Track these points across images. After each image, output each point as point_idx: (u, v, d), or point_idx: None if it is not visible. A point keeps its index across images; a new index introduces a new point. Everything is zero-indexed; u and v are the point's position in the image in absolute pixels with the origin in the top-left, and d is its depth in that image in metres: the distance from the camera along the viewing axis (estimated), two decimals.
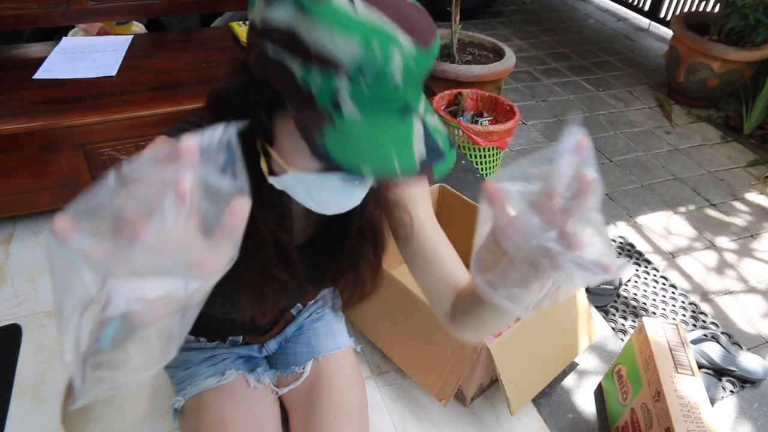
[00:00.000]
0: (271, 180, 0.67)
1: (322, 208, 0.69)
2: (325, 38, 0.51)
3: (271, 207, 0.72)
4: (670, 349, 1.28)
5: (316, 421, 1.04)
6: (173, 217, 0.38)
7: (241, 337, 1.09)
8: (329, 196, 0.66)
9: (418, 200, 0.84)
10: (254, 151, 0.67)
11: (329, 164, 0.54)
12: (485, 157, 2.43)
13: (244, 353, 1.11)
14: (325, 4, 0.51)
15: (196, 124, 0.75)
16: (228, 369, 1.05)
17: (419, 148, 0.56)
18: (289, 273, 0.81)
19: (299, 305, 1.15)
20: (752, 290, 2.12)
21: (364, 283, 0.88)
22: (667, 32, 4.18)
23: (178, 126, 0.75)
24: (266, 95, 0.59)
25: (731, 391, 1.66)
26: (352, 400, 1.09)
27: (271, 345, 1.14)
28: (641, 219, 2.46)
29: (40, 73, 1.79)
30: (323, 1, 0.51)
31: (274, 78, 0.56)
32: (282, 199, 0.71)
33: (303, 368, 1.11)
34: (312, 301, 1.17)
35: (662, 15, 4.34)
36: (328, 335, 1.16)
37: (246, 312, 0.83)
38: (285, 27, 0.53)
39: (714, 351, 1.71)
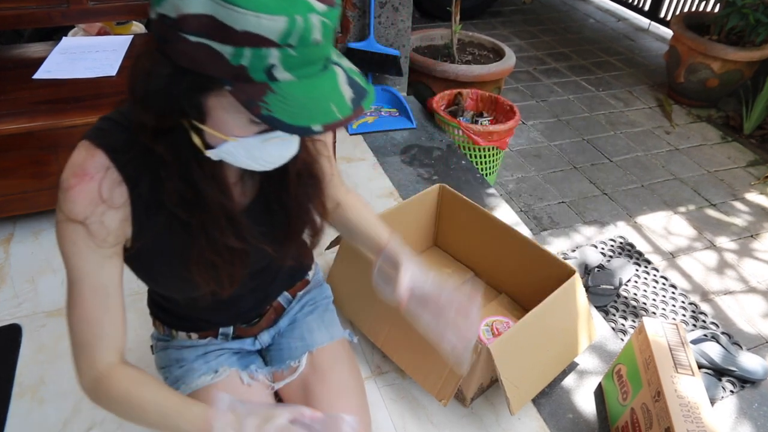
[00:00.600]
0: (209, 153, 0.69)
1: (264, 165, 0.72)
2: (252, 21, 0.55)
3: (211, 178, 0.74)
4: (670, 349, 1.28)
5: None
6: None
7: (232, 329, 1.09)
8: (270, 152, 0.70)
9: (329, 147, 0.98)
10: (182, 131, 0.68)
11: (279, 129, 0.59)
12: (485, 157, 2.43)
13: (237, 347, 1.10)
14: None
15: (117, 122, 0.75)
16: (221, 366, 1.05)
17: (347, 91, 0.63)
18: (238, 238, 0.82)
19: (288, 295, 1.15)
20: (752, 290, 2.13)
21: (316, 223, 0.94)
22: (667, 32, 4.18)
23: (99, 126, 0.76)
24: (196, 79, 0.61)
25: (731, 391, 1.67)
26: (349, 389, 1.09)
27: (264, 337, 1.14)
28: (641, 219, 2.46)
29: (40, 73, 1.79)
30: None
31: (202, 63, 0.58)
32: (218, 168, 0.74)
33: (298, 362, 1.11)
34: (301, 292, 1.17)
35: (662, 15, 4.34)
36: (321, 328, 1.16)
37: (203, 288, 0.85)
38: (204, 15, 0.55)
39: (714, 351, 1.71)
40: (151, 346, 1.15)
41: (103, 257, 0.76)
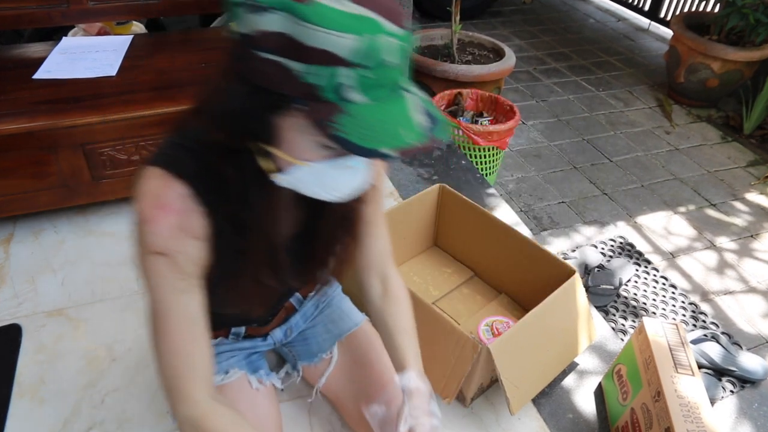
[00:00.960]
0: (278, 177, 0.69)
1: (333, 195, 0.71)
2: (323, 38, 0.54)
3: (268, 206, 0.74)
4: (670, 349, 1.28)
5: (370, 395, 1.08)
6: None
7: (244, 329, 1.09)
8: (340, 180, 0.69)
9: (379, 199, 0.99)
10: (249, 154, 0.68)
11: (350, 151, 0.59)
12: (485, 157, 2.43)
13: (249, 346, 1.11)
14: (315, 6, 0.54)
15: (183, 146, 0.74)
16: (232, 368, 1.06)
17: (419, 119, 0.62)
18: (277, 278, 0.83)
19: (299, 296, 1.16)
20: (752, 290, 2.13)
21: (340, 261, 0.95)
22: (667, 32, 4.18)
23: (166, 152, 0.74)
24: (269, 98, 0.60)
25: (731, 391, 1.67)
26: (389, 366, 1.12)
27: (277, 334, 1.15)
28: (641, 219, 2.46)
29: (40, 73, 1.79)
30: (312, 3, 0.54)
31: (276, 81, 0.58)
32: (276, 196, 0.74)
33: (330, 353, 1.14)
34: (312, 292, 1.18)
35: (662, 15, 4.34)
36: (343, 317, 1.19)
37: (239, 309, 0.87)
38: (279, 33, 0.55)
39: (714, 351, 1.71)
40: None
41: (188, 287, 0.76)
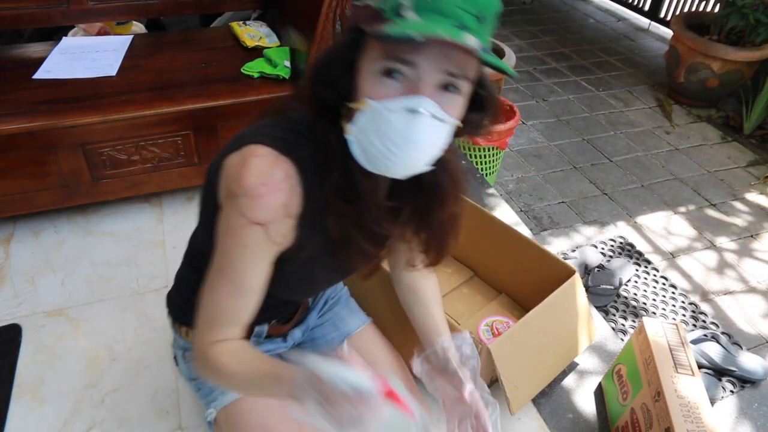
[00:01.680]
0: (348, 130, 0.73)
1: (390, 149, 0.70)
2: None
3: (366, 173, 0.76)
4: (670, 349, 1.28)
5: None
6: None
7: (266, 328, 1.09)
8: (396, 127, 0.68)
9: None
10: (338, 126, 0.74)
11: (378, 37, 0.65)
12: (485, 157, 2.43)
13: (272, 348, 1.10)
14: None
15: (291, 130, 0.78)
16: None
17: (473, 42, 0.63)
18: (373, 246, 0.85)
19: None
20: (752, 290, 2.13)
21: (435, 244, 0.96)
22: (667, 32, 4.18)
23: (270, 132, 0.78)
24: (356, 35, 0.70)
25: (731, 391, 1.67)
26: (396, 365, 1.14)
27: (296, 334, 1.15)
28: (641, 219, 2.46)
29: (40, 73, 1.79)
30: None
31: (361, 18, 0.69)
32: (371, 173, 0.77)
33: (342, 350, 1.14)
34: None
35: (662, 15, 4.34)
36: (351, 315, 1.21)
37: (288, 294, 0.95)
38: None
39: (714, 351, 1.71)
40: (174, 358, 1.14)
41: (263, 261, 0.79)
